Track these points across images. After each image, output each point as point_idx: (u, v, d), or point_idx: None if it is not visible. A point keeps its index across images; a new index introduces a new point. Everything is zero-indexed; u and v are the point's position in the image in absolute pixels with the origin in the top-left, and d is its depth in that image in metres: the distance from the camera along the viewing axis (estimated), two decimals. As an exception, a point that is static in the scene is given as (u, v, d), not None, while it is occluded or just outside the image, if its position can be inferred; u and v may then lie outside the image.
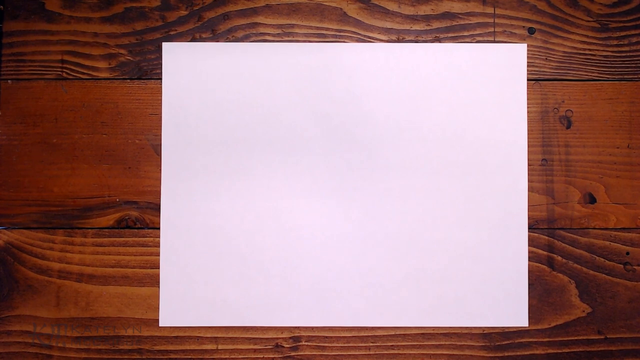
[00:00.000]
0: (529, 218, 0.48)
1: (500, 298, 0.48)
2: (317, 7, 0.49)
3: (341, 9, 0.49)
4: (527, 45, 0.49)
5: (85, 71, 0.49)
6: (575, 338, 0.48)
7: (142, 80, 0.49)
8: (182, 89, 0.48)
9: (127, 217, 0.48)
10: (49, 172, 0.48)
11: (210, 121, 0.48)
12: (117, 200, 0.48)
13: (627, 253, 0.48)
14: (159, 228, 0.48)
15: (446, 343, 0.48)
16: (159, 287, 0.48)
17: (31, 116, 0.49)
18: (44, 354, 0.48)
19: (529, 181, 0.48)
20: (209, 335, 0.48)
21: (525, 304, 0.48)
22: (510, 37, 0.49)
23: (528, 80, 0.49)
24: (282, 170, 0.48)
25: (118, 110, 0.49)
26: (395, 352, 0.48)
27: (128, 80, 0.49)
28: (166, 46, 0.48)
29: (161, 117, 0.48)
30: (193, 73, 0.48)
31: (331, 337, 0.48)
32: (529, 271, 0.48)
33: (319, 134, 0.48)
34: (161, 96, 0.48)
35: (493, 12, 0.49)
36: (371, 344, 0.48)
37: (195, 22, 0.49)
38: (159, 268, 0.48)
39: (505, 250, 0.48)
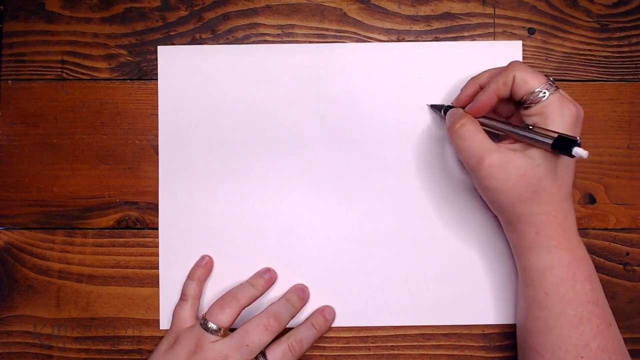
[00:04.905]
0: (528, 218, 0.48)
1: (500, 298, 0.47)
2: (317, 8, 0.49)
3: (341, 9, 0.49)
4: (527, 45, 0.48)
5: (85, 71, 0.49)
6: (575, 338, 0.48)
7: (142, 81, 0.49)
8: (180, 89, 0.48)
9: (127, 218, 0.48)
10: (49, 172, 0.48)
11: (208, 121, 0.48)
12: (117, 200, 0.48)
13: (627, 253, 0.48)
14: (159, 228, 0.48)
15: (446, 343, 0.48)
16: (159, 287, 0.48)
17: (31, 116, 0.49)
18: (44, 354, 0.48)
19: (528, 181, 0.48)
20: (209, 336, 0.48)
21: (525, 304, 0.48)
22: (510, 37, 0.49)
23: (528, 80, 0.48)
24: (282, 170, 0.48)
25: (118, 111, 0.49)
26: (395, 352, 0.48)
27: (128, 81, 0.49)
28: (161, 50, 0.48)
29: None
30: (191, 74, 0.48)
31: (331, 337, 0.48)
32: (529, 271, 0.48)
33: (319, 134, 0.48)
34: (161, 96, 0.48)
35: (493, 12, 0.49)
36: (371, 344, 0.48)
37: (195, 22, 0.49)
38: (159, 268, 0.48)
39: (505, 250, 0.48)
